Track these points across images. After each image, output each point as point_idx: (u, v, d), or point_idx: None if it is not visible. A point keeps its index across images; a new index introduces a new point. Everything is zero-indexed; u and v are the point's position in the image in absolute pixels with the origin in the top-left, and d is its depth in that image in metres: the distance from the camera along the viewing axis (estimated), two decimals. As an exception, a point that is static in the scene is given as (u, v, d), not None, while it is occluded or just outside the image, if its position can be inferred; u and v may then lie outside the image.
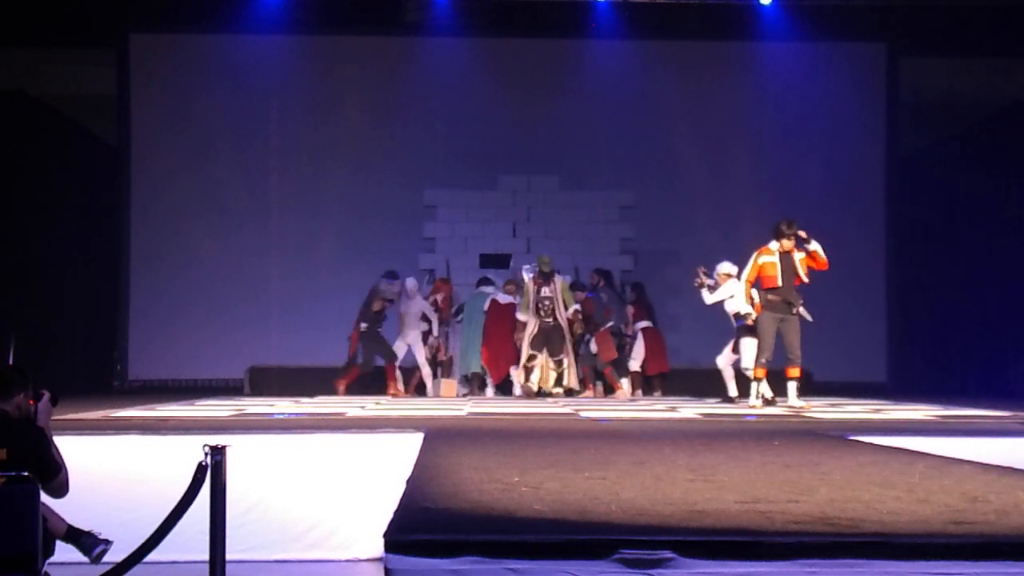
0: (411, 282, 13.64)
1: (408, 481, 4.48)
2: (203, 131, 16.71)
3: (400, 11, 17.23)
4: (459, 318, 14.12)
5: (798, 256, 10.44)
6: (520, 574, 2.98)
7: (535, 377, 13.08)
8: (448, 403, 11.92)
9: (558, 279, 13.23)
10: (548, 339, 13.02)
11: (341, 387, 13.45)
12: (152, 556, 5.19)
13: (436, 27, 16.74)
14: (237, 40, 16.77)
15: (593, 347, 13.52)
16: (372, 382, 13.88)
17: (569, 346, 13.20)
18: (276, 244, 16.72)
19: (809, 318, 10.35)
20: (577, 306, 13.26)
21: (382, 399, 12.63)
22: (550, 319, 13.07)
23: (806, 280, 10.40)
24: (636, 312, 13.86)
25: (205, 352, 16.09)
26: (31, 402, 5.23)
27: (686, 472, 4.72)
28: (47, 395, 5.31)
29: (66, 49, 16.71)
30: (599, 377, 13.76)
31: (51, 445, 5.20)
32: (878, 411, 10.31)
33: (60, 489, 5.18)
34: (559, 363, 13.13)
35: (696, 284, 11.52)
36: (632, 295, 14.03)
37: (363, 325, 13.43)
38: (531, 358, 13.05)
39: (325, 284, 16.23)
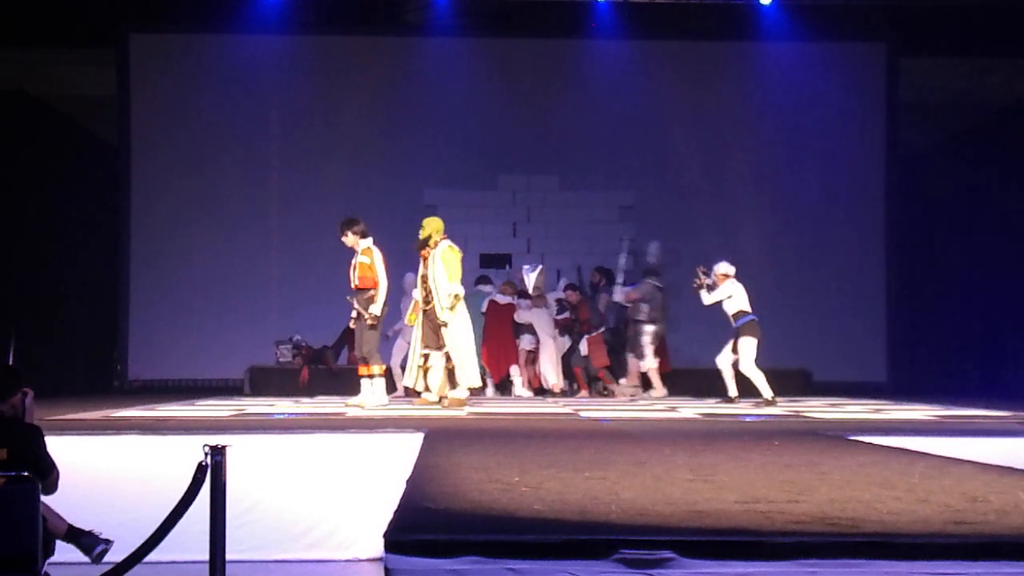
0: (410, 278, 13.64)
1: (408, 481, 4.48)
2: (203, 131, 16.70)
3: (400, 11, 17.23)
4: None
5: (358, 259, 10.47)
6: (520, 574, 2.98)
7: (434, 382, 10.63)
8: (448, 403, 11.89)
9: (441, 248, 10.31)
10: (428, 329, 10.41)
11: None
12: (152, 556, 5.20)
13: (436, 27, 16.74)
14: (237, 40, 16.76)
15: (584, 350, 13.52)
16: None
17: (445, 340, 10.35)
18: (276, 244, 16.72)
19: (367, 317, 10.27)
20: (456, 289, 10.25)
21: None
22: (427, 304, 10.39)
23: (356, 283, 10.42)
24: (637, 312, 13.88)
25: (205, 352, 16.08)
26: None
27: (686, 472, 4.72)
28: (30, 392, 5.33)
29: (66, 49, 16.70)
30: (592, 380, 13.74)
31: (45, 443, 5.23)
32: (878, 411, 10.31)
33: (52, 487, 5.20)
34: (426, 357, 10.51)
35: (695, 285, 11.53)
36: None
37: None
38: (425, 357, 10.56)
39: (325, 284, 16.20)
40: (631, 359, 13.25)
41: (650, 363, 13.02)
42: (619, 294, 13.46)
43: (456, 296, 10.24)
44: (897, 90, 17.05)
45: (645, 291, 13.07)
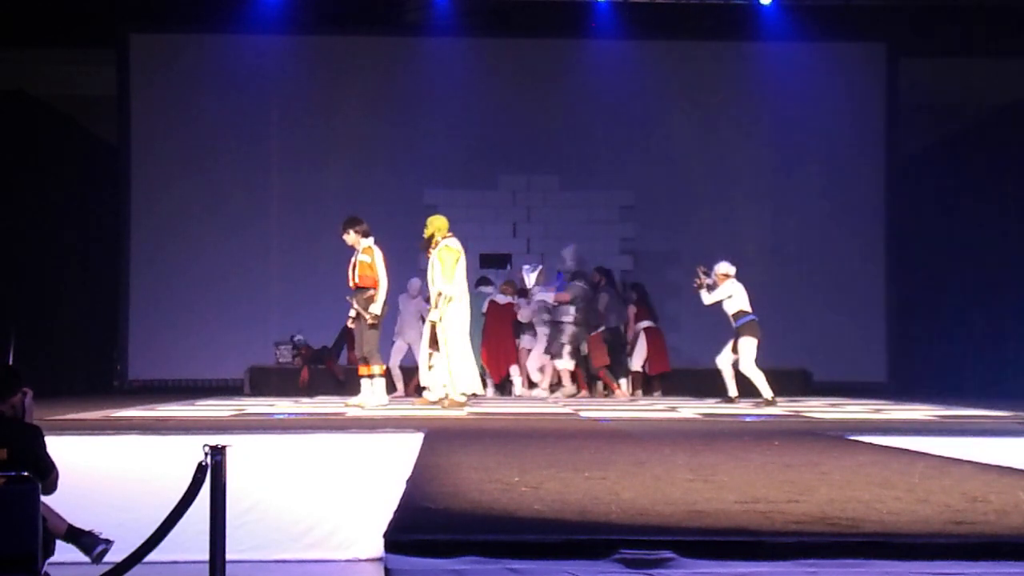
0: (414, 282, 13.64)
1: (408, 481, 4.47)
2: (203, 131, 16.71)
3: (400, 11, 17.24)
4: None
5: (358, 258, 10.37)
6: (520, 574, 2.98)
7: (435, 382, 10.40)
8: (448, 403, 11.89)
9: (439, 247, 10.14)
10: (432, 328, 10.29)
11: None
12: (152, 556, 5.20)
13: (436, 27, 16.75)
14: (237, 40, 16.77)
15: (584, 349, 13.51)
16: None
17: (440, 340, 10.14)
18: (276, 244, 16.72)
19: (367, 317, 10.19)
20: (444, 289, 10.06)
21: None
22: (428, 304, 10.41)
23: (356, 280, 10.31)
24: (638, 312, 13.89)
25: (205, 352, 16.08)
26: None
27: (686, 472, 4.72)
28: (30, 392, 5.33)
29: (66, 49, 16.70)
30: (592, 378, 13.73)
31: (45, 443, 5.23)
32: (878, 411, 10.31)
33: (52, 487, 5.20)
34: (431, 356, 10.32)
35: (695, 285, 11.53)
36: (634, 295, 14.05)
37: None
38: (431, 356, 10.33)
39: (325, 284, 16.21)
40: (549, 360, 13.42)
41: (566, 363, 13.15)
42: (544, 294, 13.53)
43: (444, 296, 10.03)
44: (897, 90, 17.06)
45: (575, 293, 13.17)
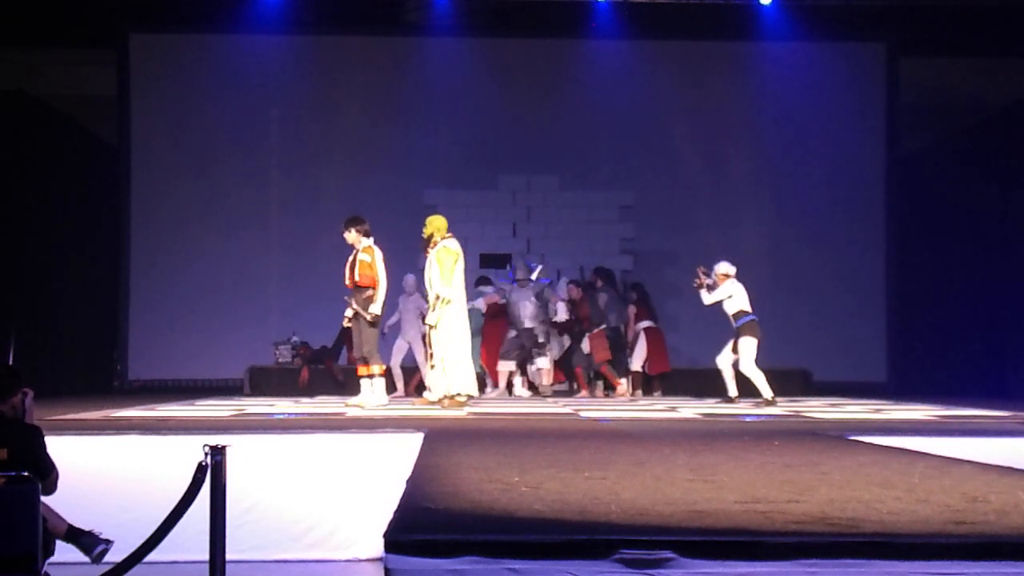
0: (409, 278, 13.61)
1: (408, 481, 4.47)
2: (203, 131, 16.71)
3: (400, 11, 17.24)
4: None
5: (358, 257, 10.35)
6: (520, 574, 2.98)
7: (433, 381, 10.35)
8: (448, 403, 11.88)
9: (437, 247, 10.09)
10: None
11: None
12: (152, 556, 5.20)
13: (436, 27, 16.76)
14: (237, 40, 16.77)
15: (586, 347, 13.53)
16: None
17: (433, 342, 10.18)
18: (276, 244, 16.73)
19: (366, 316, 10.20)
20: (441, 292, 10.01)
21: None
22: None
23: (356, 280, 10.28)
24: (638, 312, 13.89)
25: (205, 352, 16.08)
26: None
27: (686, 472, 4.72)
28: (30, 392, 5.33)
29: (66, 49, 16.71)
30: (595, 377, 13.74)
31: (45, 443, 5.23)
32: (878, 411, 10.32)
33: (52, 487, 5.20)
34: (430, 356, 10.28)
35: (695, 285, 11.52)
36: (634, 295, 14.05)
37: None
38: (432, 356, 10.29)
39: (325, 284, 16.20)
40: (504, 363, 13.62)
41: (545, 364, 13.52)
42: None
43: (441, 299, 9.97)
44: (897, 90, 17.06)
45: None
